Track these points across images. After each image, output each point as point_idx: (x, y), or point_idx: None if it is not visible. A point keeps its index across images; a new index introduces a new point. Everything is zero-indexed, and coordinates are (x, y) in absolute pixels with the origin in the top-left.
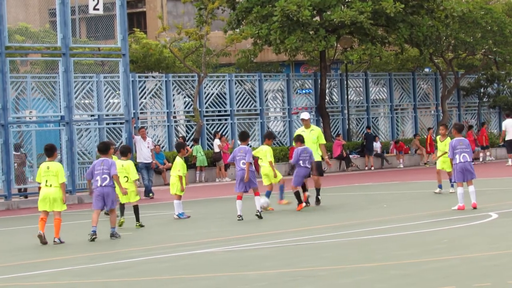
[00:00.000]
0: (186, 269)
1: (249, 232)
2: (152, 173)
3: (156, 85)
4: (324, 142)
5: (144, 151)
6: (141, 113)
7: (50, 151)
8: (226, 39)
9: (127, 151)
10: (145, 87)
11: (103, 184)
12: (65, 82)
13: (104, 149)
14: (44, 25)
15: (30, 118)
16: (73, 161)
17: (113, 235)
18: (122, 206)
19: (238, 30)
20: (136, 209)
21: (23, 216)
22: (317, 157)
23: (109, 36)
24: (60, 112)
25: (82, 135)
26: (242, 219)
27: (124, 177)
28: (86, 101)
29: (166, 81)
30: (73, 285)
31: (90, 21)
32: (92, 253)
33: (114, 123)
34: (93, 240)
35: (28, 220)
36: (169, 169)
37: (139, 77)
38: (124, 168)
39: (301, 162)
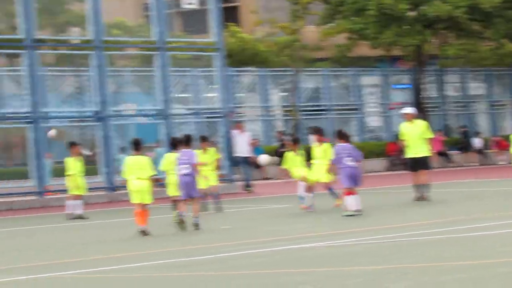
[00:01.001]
0: (281, 264)
1: (344, 228)
2: (251, 167)
3: (252, 79)
4: (431, 135)
5: (241, 145)
6: (238, 107)
7: (137, 145)
8: (320, 33)
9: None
10: (241, 81)
11: (185, 173)
12: (162, 76)
13: (187, 141)
14: (139, 19)
15: (128, 112)
16: None
17: (195, 224)
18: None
19: (332, 24)
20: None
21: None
22: (423, 152)
23: (204, 31)
24: (158, 106)
25: (180, 129)
26: (354, 215)
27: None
28: (184, 95)
29: (262, 75)
30: (168, 278)
31: (186, 15)
32: (188, 247)
33: (212, 117)
34: (179, 223)
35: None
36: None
37: (236, 71)
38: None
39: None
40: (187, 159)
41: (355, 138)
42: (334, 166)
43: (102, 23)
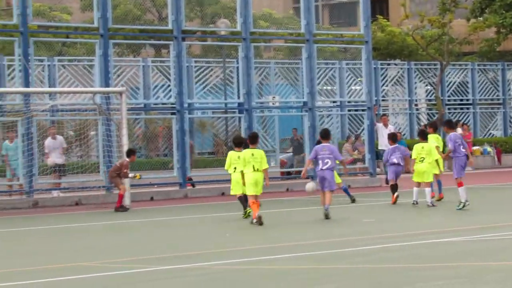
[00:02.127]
0: (421, 258)
1: (481, 223)
2: None
3: (398, 72)
4: None
5: (385, 139)
6: (382, 100)
7: (255, 138)
8: (469, 27)
9: (241, 143)
10: (387, 74)
11: (324, 168)
12: (308, 68)
13: (326, 135)
14: (287, 11)
15: (273, 104)
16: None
17: (326, 212)
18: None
19: (481, 18)
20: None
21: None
22: None
23: (352, 23)
24: (303, 98)
25: (323, 121)
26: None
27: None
28: (328, 88)
29: (408, 68)
30: (314, 270)
31: (333, 8)
32: (332, 239)
33: (356, 110)
34: (327, 217)
35: (270, 204)
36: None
37: (381, 64)
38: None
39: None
40: (328, 153)
41: (498, 133)
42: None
43: (251, 15)
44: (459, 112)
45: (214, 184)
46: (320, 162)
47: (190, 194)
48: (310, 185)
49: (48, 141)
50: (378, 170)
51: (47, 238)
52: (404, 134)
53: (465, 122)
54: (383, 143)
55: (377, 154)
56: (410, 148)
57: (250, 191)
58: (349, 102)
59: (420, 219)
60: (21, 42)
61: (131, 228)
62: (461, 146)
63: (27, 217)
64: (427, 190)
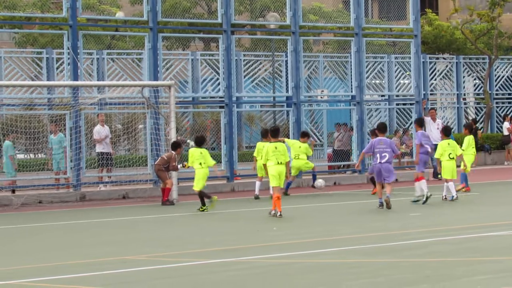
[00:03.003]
0: (472, 251)
1: None
2: None
3: (446, 66)
4: None
5: (433, 133)
6: (431, 94)
7: (276, 132)
8: None
9: (201, 142)
10: (435, 68)
11: (382, 161)
12: (357, 62)
13: (383, 128)
14: (337, 5)
15: (321, 97)
16: (362, 141)
17: (387, 199)
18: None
19: None
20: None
21: (315, 194)
22: None
23: (401, 17)
24: (351, 91)
25: (372, 115)
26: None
27: (200, 163)
28: (377, 81)
29: (456, 62)
30: (360, 264)
31: (382, 1)
32: (378, 233)
33: (404, 104)
34: (388, 206)
35: (320, 197)
36: None
37: (430, 58)
38: (203, 155)
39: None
40: (385, 146)
41: None
42: None
43: (300, 9)
44: (507, 106)
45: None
46: (378, 155)
47: (237, 188)
48: (320, 182)
49: (98, 128)
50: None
51: (94, 231)
52: (453, 128)
53: None
54: (431, 137)
55: None
56: (459, 142)
57: (273, 183)
58: (397, 96)
59: (467, 213)
60: (70, 35)
61: (178, 222)
62: (427, 144)
63: (74, 211)
64: (451, 184)
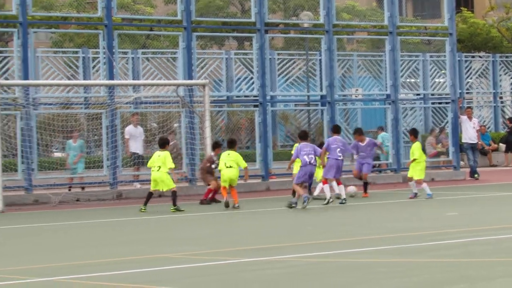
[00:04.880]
0: (506, 252)
1: None
2: (478, 154)
3: (482, 65)
4: None
5: (469, 132)
6: (467, 93)
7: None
8: None
9: (164, 143)
10: (471, 67)
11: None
12: (392, 61)
13: (305, 136)
14: (371, 4)
15: (355, 96)
16: (398, 140)
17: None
18: (150, 194)
19: None
20: (174, 194)
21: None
22: None
23: (435, 15)
24: (386, 90)
25: (407, 114)
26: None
27: (158, 166)
28: (412, 80)
29: (493, 61)
30: (396, 264)
31: (417, 0)
32: (415, 233)
33: (440, 103)
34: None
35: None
36: (494, 150)
37: (466, 56)
38: (160, 158)
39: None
40: (310, 149)
41: None
42: None
43: (334, 7)
44: None
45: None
46: (305, 157)
47: (272, 187)
48: (351, 188)
49: (130, 128)
50: (462, 163)
51: (129, 229)
52: (489, 127)
53: None
54: (467, 136)
55: (461, 147)
56: (496, 142)
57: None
58: (432, 94)
59: (505, 213)
60: (105, 34)
61: (211, 220)
62: (338, 149)
63: (110, 209)
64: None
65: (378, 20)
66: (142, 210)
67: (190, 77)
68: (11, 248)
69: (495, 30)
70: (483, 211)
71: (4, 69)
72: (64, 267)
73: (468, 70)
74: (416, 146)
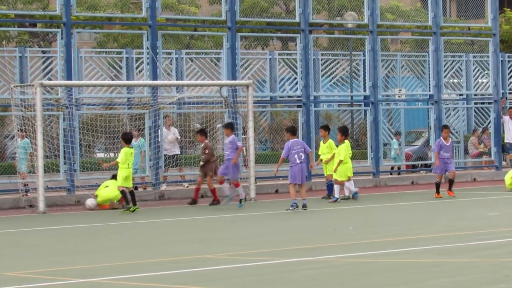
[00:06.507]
0: None
1: None
2: None
3: None
4: None
5: None
6: (509, 93)
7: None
8: None
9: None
10: None
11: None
12: (435, 61)
13: (294, 131)
14: (415, 4)
15: (399, 96)
16: None
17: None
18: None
19: None
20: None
21: (391, 194)
22: None
23: (479, 16)
24: (429, 91)
25: (450, 114)
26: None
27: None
28: (455, 80)
29: None
30: (439, 263)
31: (461, 0)
32: (457, 233)
33: (482, 103)
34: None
35: (396, 197)
36: None
37: (509, 57)
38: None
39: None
40: (300, 147)
41: None
42: None
43: (378, 8)
44: None
45: None
46: (295, 156)
47: (315, 187)
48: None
49: (163, 131)
50: (504, 163)
51: (172, 230)
52: None
53: None
54: (510, 136)
55: (503, 148)
56: None
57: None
58: (475, 95)
59: None
60: (149, 35)
61: (254, 221)
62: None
63: (153, 209)
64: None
65: (422, 21)
66: (131, 210)
67: (234, 78)
68: (51, 249)
69: None
70: None
71: (47, 69)
72: (109, 268)
73: (511, 71)
74: (344, 147)
